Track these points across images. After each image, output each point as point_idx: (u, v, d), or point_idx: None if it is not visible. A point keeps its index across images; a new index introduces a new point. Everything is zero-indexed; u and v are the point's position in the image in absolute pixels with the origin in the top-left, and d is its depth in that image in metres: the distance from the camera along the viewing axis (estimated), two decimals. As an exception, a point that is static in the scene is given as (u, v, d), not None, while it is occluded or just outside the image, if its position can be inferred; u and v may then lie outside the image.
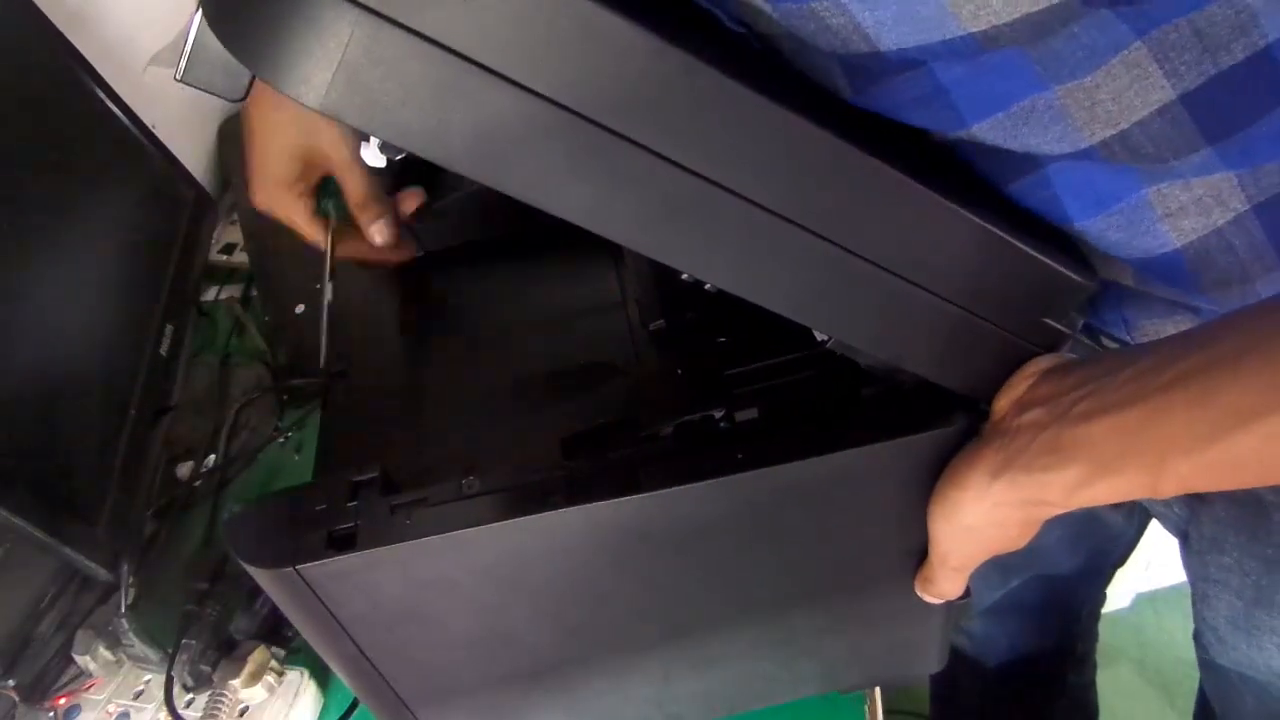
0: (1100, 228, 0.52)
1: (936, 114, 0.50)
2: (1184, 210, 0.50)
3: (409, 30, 0.33)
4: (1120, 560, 1.12)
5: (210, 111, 1.28)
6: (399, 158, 0.66)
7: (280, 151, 0.73)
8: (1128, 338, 0.63)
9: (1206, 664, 0.79)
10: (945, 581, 0.56)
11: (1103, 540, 1.07)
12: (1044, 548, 1.04)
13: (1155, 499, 0.69)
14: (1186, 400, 0.42)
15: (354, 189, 0.74)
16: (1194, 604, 0.77)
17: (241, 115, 0.75)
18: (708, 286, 0.46)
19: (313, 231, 0.77)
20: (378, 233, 0.74)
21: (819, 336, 0.49)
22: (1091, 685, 1.28)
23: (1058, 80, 0.45)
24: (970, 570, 0.55)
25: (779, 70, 0.49)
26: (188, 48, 0.37)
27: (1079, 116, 0.46)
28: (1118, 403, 0.44)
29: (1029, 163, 0.51)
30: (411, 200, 0.78)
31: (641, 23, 0.35)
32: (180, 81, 0.38)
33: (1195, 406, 0.42)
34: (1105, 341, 0.67)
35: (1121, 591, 1.69)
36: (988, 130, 0.49)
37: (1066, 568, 1.10)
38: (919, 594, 0.58)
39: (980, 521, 0.50)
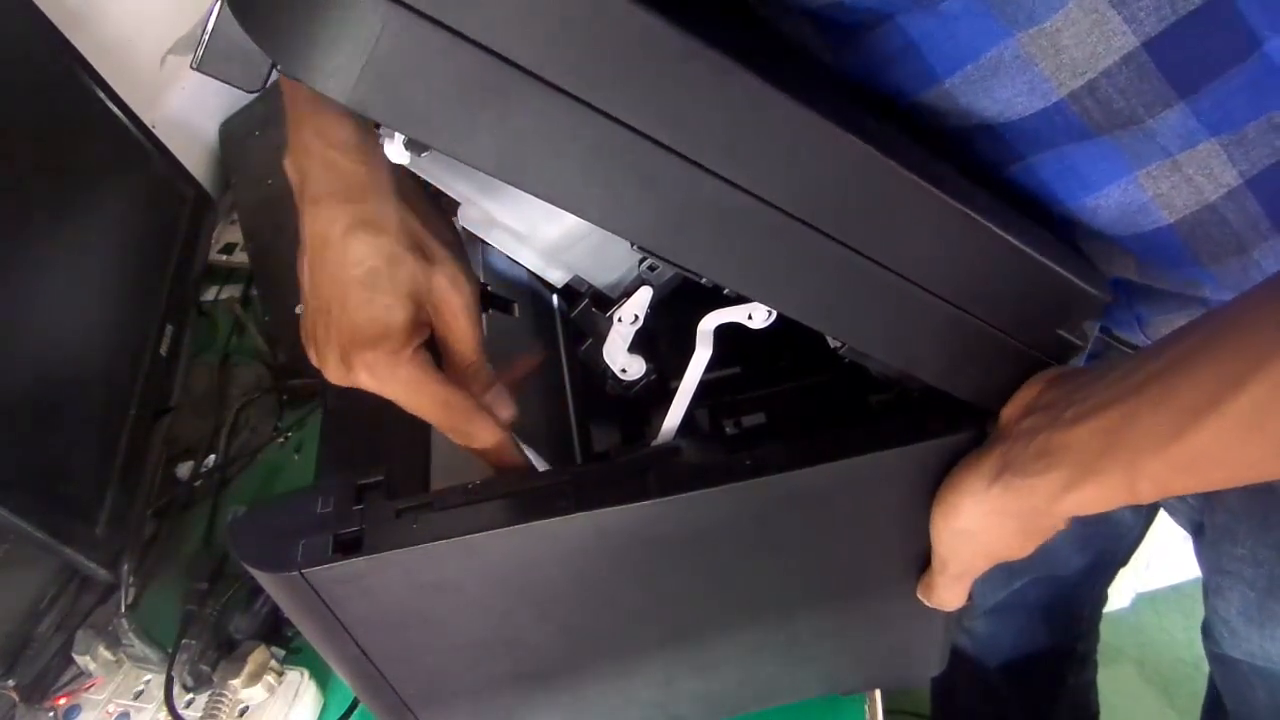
0: (1091, 208, 0.53)
1: (910, 70, 0.50)
2: (1175, 189, 0.50)
3: (441, 25, 0.33)
4: (1125, 558, 1.13)
5: (210, 111, 1.28)
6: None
7: (396, 295, 0.51)
8: (1143, 336, 0.63)
9: (1217, 657, 0.79)
10: (945, 589, 0.56)
11: (1111, 539, 1.07)
12: (1051, 548, 1.04)
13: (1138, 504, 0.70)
14: (1152, 400, 0.43)
15: (465, 343, 0.54)
16: (1206, 597, 0.77)
17: (305, 254, 0.52)
18: (725, 291, 0.46)
19: (455, 399, 0.53)
20: (499, 404, 0.55)
21: (832, 343, 0.49)
22: (1092, 685, 1.28)
23: (1017, 26, 0.46)
24: (971, 579, 0.55)
25: (804, 70, 0.49)
26: (206, 36, 0.37)
27: (1045, 65, 0.47)
28: (1099, 406, 0.45)
29: (1013, 151, 0.52)
30: (517, 372, 0.60)
31: (672, 21, 0.35)
32: (197, 70, 0.38)
33: (1159, 406, 0.42)
34: (1121, 344, 0.67)
35: (1121, 591, 1.69)
36: (960, 85, 0.49)
37: (1073, 567, 1.10)
38: (921, 601, 0.58)
39: (977, 526, 0.50)
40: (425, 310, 0.52)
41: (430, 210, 0.53)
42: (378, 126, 0.52)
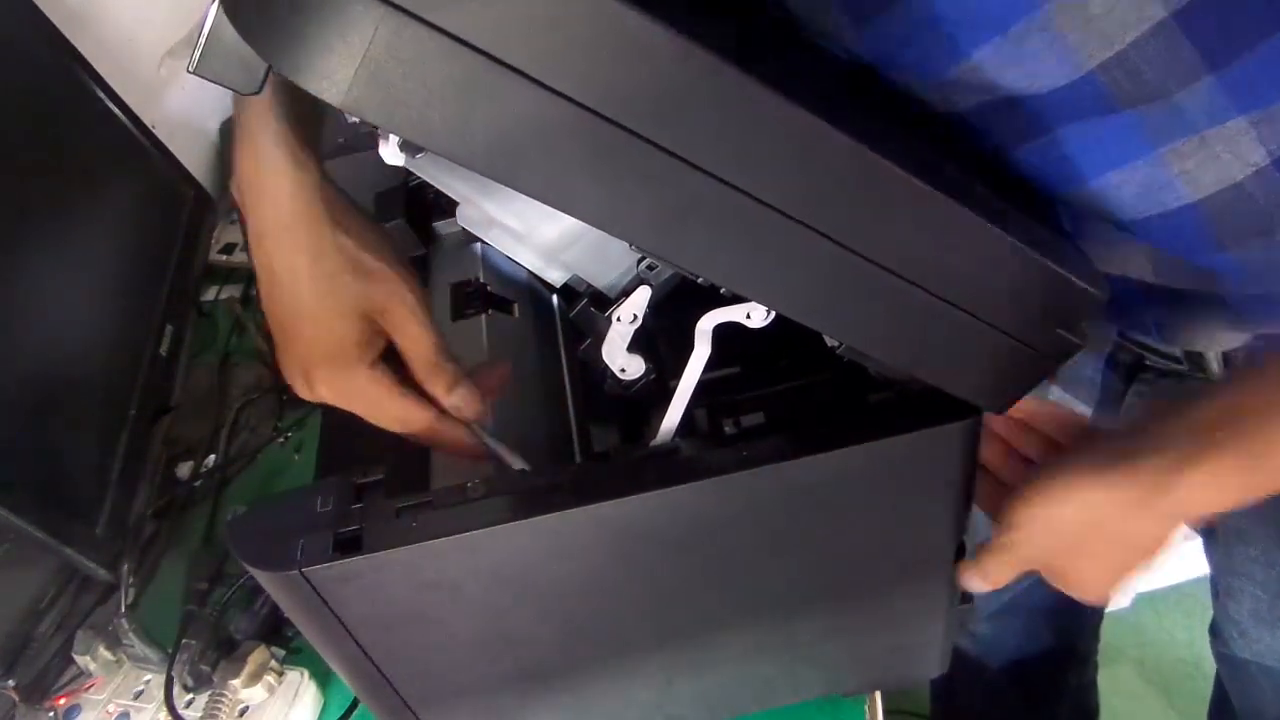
0: (1114, 184, 0.52)
1: (936, 46, 0.50)
2: (1202, 167, 0.50)
3: (433, 27, 0.33)
4: None
5: (210, 111, 1.28)
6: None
7: (341, 313, 0.54)
8: (1161, 341, 0.63)
9: (1226, 658, 0.79)
10: (997, 569, 0.56)
11: None
12: None
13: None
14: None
15: (420, 346, 0.55)
16: (1215, 597, 0.77)
17: (260, 285, 0.55)
18: (723, 291, 0.46)
19: (412, 412, 0.56)
20: (463, 402, 0.56)
21: (829, 342, 0.49)
22: (1093, 685, 1.28)
23: None
24: (1023, 567, 0.55)
25: (800, 63, 0.49)
26: (202, 39, 0.37)
27: (1074, 37, 0.47)
28: (1225, 409, 0.46)
29: (1038, 125, 0.52)
30: (496, 377, 0.60)
31: (665, 21, 0.35)
32: (194, 74, 0.38)
33: None
34: (1144, 350, 0.67)
35: (1122, 591, 1.69)
36: (989, 59, 0.49)
37: None
38: (960, 577, 0.58)
39: (1087, 515, 0.50)
40: (374, 324, 0.54)
41: (365, 230, 0.55)
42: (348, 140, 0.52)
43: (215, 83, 0.38)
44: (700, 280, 0.44)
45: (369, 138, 0.51)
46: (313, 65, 0.33)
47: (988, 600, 1.13)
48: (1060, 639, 1.19)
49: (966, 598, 0.64)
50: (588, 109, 0.36)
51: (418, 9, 0.32)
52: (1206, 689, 0.92)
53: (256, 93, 0.38)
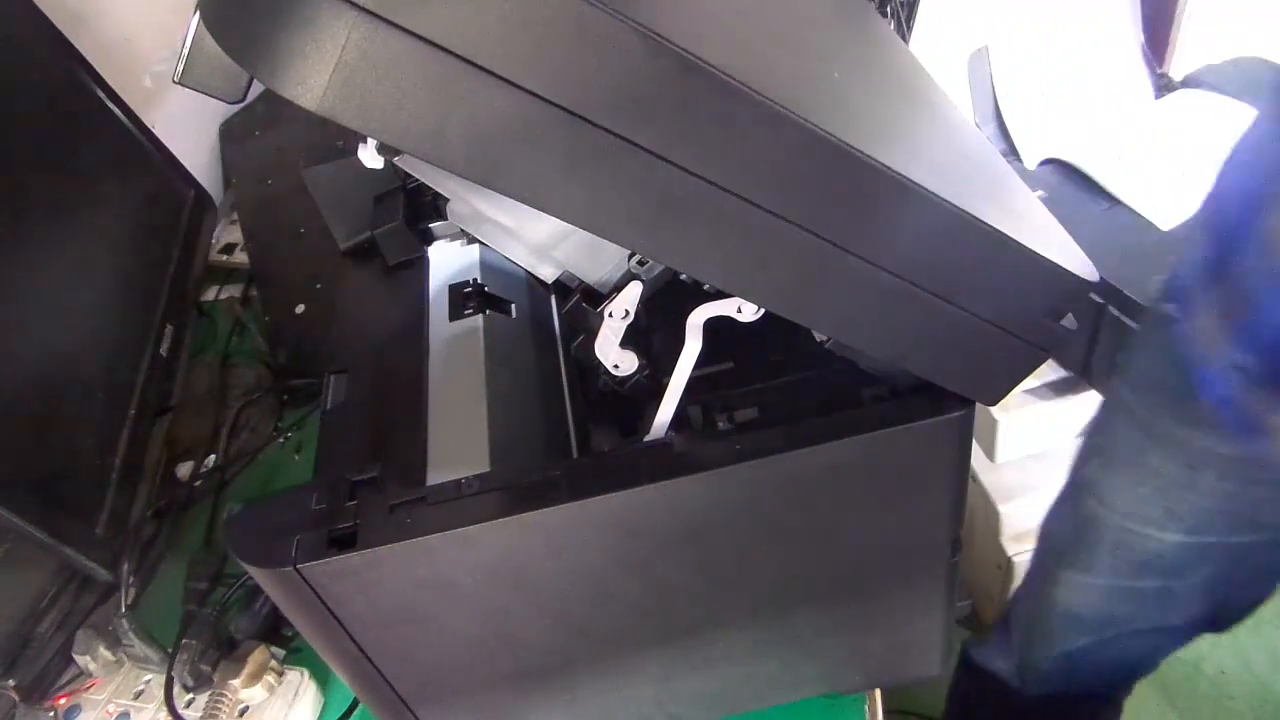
0: None
1: None
2: None
3: (406, 31, 0.33)
4: (1247, 613, 0.89)
5: (210, 111, 1.28)
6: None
7: None
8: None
9: None
10: None
11: (1255, 583, 0.85)
12: (1176, 592, 0.84)
13: None
14: None
15: None
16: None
17: None
18: (706, 287, 0.46)
19: None
20: None
21: (818, 337, 0.49)
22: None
23: None
24: None
25: (779, 63, 0.49)
26: (186, 50, 0.37)
27: None
28: None
29: None
30: None
31: (635, 19, 0.35)
32: (179, 84, 0.38)
33: None
34: None
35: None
36: None
37: (1186, 617, 0.87)
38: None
39: None
40: None
41: None
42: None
43: (200, 92, 0.39)
44: (683, 277, 0.44)
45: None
46: (288, 71, 0.33)
47: (1065, 639, 0.94)
48: (1105, 690, 1.05)
49: (965, 594, 0.64)
50: (562, 108, 0.36)
51: (389, 13, 0.32)
52: (1207, 689, 0.90)
53: (240, 101, 0.39)
